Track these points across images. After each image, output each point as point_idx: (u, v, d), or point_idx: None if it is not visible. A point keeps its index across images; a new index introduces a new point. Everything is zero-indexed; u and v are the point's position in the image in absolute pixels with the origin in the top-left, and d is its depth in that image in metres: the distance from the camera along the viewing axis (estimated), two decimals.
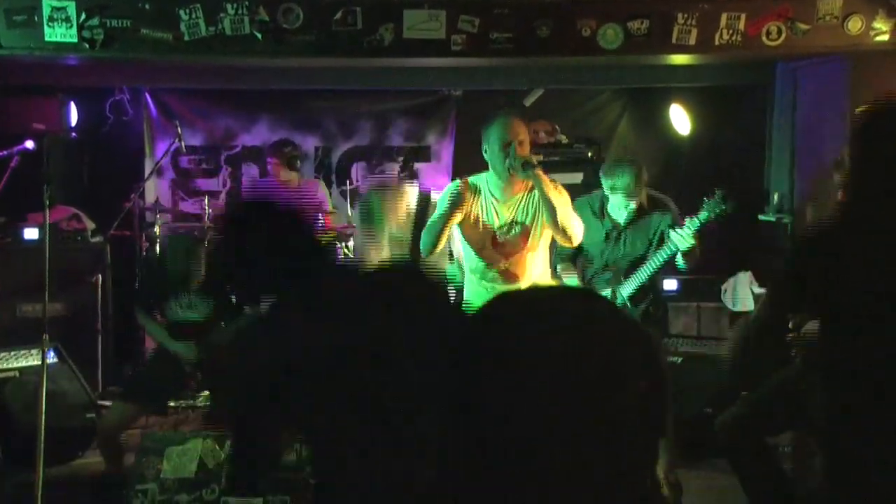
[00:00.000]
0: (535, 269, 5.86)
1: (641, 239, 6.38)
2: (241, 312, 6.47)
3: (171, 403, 7.54)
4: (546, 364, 1.18)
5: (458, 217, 5.79)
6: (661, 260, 6.19)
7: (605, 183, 6.36)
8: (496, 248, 5.84)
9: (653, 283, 6.43)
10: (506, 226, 5.79)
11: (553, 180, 5.76)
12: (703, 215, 5.96)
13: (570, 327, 1.20)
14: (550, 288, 2.14)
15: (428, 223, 5.94)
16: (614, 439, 1.17)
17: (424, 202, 6.66)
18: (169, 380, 6.45)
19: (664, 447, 4.72)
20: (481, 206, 5.83)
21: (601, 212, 6.39)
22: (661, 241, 6.26)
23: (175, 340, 6.35)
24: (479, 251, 5.89)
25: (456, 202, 5.79)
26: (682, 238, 5.99)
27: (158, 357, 6.64)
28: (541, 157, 5.61)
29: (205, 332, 6.35)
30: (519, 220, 5.77)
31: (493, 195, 5.79)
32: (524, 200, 5.74)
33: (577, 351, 1.19)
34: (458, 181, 5.92)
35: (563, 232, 5.61)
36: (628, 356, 1.17)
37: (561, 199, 5.67)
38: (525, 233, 5.78)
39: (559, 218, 5.55)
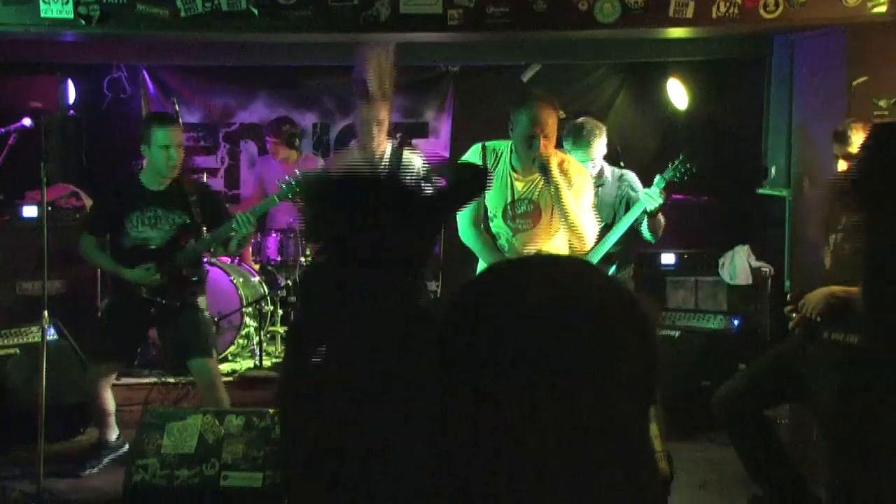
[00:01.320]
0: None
1: (606, 210, 6.49)
2: (203, 234, 6.39)
3: (171, 380, 7.57)
4: (534, 328, 1.16)
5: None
6: (626, 225, 6.32)
7: (566, 142, 6.45)
8: (506, 219, 5.84)
9: (624, 252, 6.49)
10: (519, 201, 5.79)
11: (579, 168, 5.86)
12: (668, 174, 6.14)
13: (560, 290, 1.18)
14: (539, 255, 2.09)
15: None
16: (605, 402, 1.16)
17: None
18: (124, 330, 6.45)
19: (658, 418, 4.72)
20: (500, 173, 5.82)
21: None
22: (627, 207, 6.34)
23: (130, 268, 6.27)
24: (492, 218, 5.89)
25: None
26: (650, 197, 6.10)
27: (110, 310, 6.61)
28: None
29: (166, 253, 6.28)
30: (533, 199, 5.76)
31: (511, 165, 5.78)
32: (542, 182, 5.72)
33: (567, 312, 1.17)
34: (477, 146, 5.92)
35: (574, 231, 5.61)
36: (618, 319, 1.16)
37: (577, 200, 5.68)
38: (536, 213, 5.76)
39: (570, 219, 5.55)
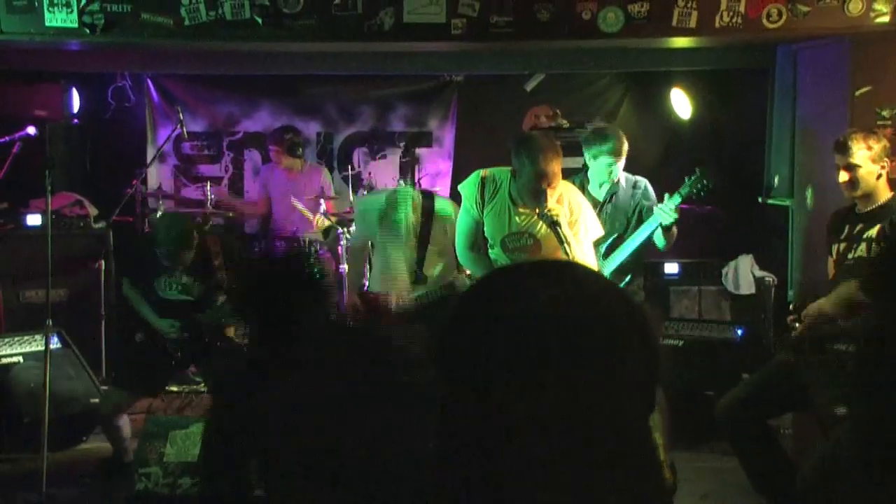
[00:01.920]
0: None
1: (620, 219, 6.49)
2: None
3: (174, 388, 7.58)
4: (537, 328, 1.16)
5: (483, 214, 5.88)
6: (641, 237, 6.30)
7: (588, 152, 6.46)
8: (505, 250, 5.87)
9: (636, 262, 6.50)
10: (518, 234, 5.82)
11: (577, 199, 5.92)
12: (684, 189, 6.09)
13: (563, 291, 1.18)
14: (539, 261, 2.08)
15: (457, 226, 6.12)
16: (608, 403, 1.15)
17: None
18: (155, 364, 6.51)
19: (662, 428, 4.70)
20: (498, 202, 5.85)
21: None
22: (640, 219, 6.35)
23: (159, 317, 6.40)
24: (491, 246, 5.93)
25: (478, 201, 5.87)
26: (665, 213, 6.11)
27: (145, 343, 6.67)
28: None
29: (191, 311, 6.41)
30: (532, 233, 5.79)
31: (510, 197, 5.81)
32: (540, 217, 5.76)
33: (570, 313, 1.17)
34: (477, 175, 5.96)
35: None
36: (620, 322, 1.16)
37: (577, 235, 5.76)
38: (535, 247, 5.79)
39: (571, 256, 5.56)
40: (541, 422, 1.12)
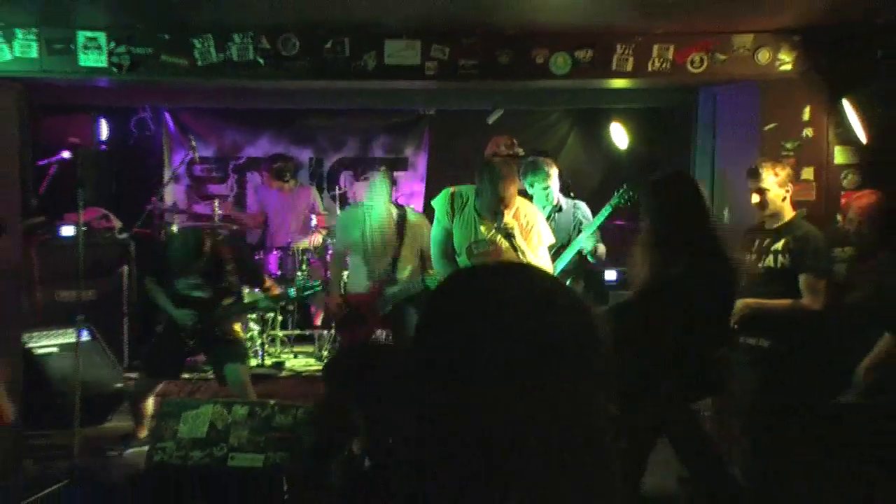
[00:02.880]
0: None
1: (562, 233, 6.61)
2: (239, 295, 6.61)
3: (186, 376, 7.57)
4: (509, 321, 1.12)
5: (452, 224, 5.92)
6: (572, 252, 6.48)
7: (525, 181, 6.68)
8: (469, 257, 5.91)
9: (576, 267, 6.59)
10: (481, 241, 5.88)
11: (531, 211, 6.05)
12: (614, 200, 6.29)
13: (530, 288, 1.15)
14: (500, 261, 1.97)
15: (431, 236, 6.18)
16: (578, 391, 1.10)
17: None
18: (174, 351, 6.54)
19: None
20: (466, 216, 5.90)
21: None
22: (579, 231, 6.51)
23: (177, 308, 6.41)
24: (458, 254, 5.98)
25: (448, 212, 5.92)
26: (584, 242, 6.40)
27: (164, 335, 6.67)
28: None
29: (206, 305, 6.42)
30: (494, 241, 5.85)
31: (476, 211, 5.87)
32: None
33: (539, 307, 1.14)
34: (447, 192, 6.02)
35: None
36: (582, 319, 1.13)
37: (530, 242, 5.86)
38: (496, 253, 5.84)
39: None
40: (516, 409, 1.08)
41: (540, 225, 5.99)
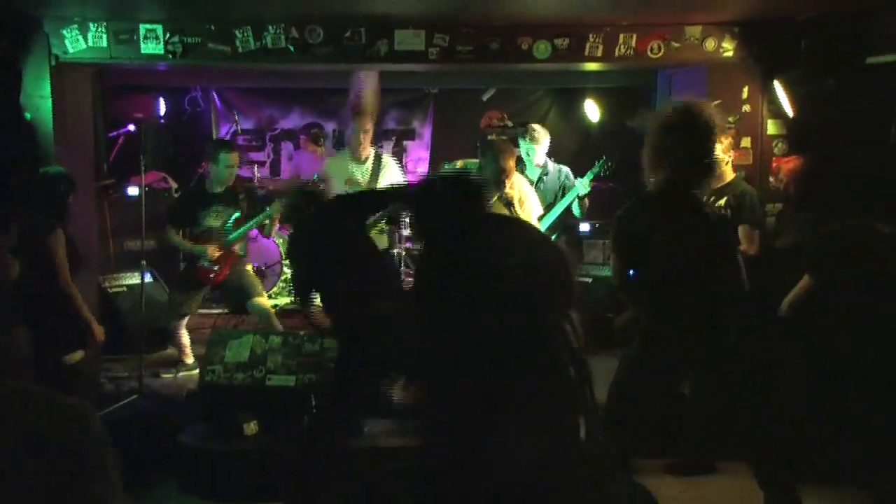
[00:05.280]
0: None
1: (549, 194, 6.61)
2: (247, 222, 6.48)
3: (216, 311, 7.61)
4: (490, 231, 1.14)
5: None
6: (564, 205, 6.51)
7: (522, 145, 6.67)
8: None
9: (560, 224, 6.60)
10: None
11: (522, 184, 6.16)
12: (595, 169, 6.38)
13: (517, 233, 1.15)
14: (503, 215, 1.83)
15: None
16: (538, 299, 1.07)
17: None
18: (193, 284, 6.48)
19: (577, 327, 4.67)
20: None
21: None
22: (564, 193, 6.52)
23: (197, 246, 6.36)
24: None
25: None
26: (583, 184, 6.35)
27: (185, 269, 6.67)
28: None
29: (219, 238, 6.37)
30: (494, 209, 5.87)
31: None
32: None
33: (516, 229, 1.16)
34: (456, 164, 6.05)
35: None
36: (550, 258, 1.12)
37: (526, 208, 5.97)
38: None
39: None
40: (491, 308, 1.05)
41: (531, 199, 6.12)
